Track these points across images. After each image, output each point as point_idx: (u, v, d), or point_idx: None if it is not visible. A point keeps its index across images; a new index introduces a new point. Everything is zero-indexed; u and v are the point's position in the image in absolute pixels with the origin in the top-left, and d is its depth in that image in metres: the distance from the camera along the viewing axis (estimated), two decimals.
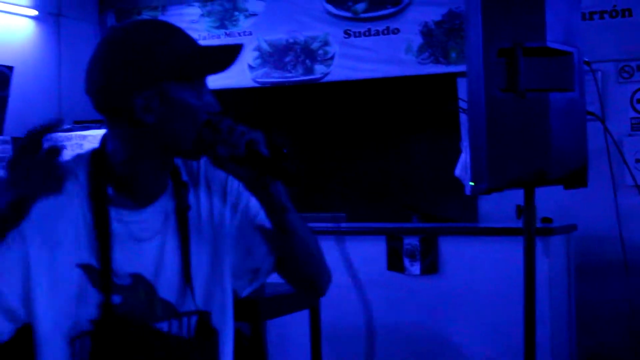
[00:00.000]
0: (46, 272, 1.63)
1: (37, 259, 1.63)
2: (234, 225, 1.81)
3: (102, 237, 1.66)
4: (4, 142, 6.52)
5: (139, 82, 1.61)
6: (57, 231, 1.65)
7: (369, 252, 5.43)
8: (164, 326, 1.70)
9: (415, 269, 5.31)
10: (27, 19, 7.02)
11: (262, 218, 1.77)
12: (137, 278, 1.69)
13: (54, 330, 1.65)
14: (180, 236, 1.73)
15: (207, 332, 1.74)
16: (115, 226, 1.67)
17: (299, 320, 4.60)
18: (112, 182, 1.69)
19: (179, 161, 1.77)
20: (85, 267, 1.66)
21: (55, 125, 1.47)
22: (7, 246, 1.60)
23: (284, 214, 1.69)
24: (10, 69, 6.59)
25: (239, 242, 1.81)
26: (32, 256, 1.63)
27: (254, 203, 1.77)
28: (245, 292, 1.88)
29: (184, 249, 1.73)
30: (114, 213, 1.68)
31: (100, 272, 1.65)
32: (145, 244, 1.70)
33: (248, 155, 1.60)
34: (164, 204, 1.73)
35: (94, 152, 1.73)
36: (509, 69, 2.88)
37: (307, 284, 1.88)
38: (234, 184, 1.80)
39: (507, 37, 2.90)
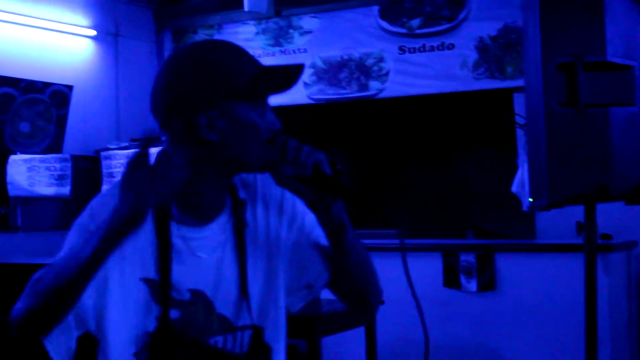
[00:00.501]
0: (117, 285, 1.68)
1: (111, 271, 1.68)
2: (290, 241, 1.82)
3: (163, 252, 1.69)
4: (64, 159, 6.63)
5: (203, 102, 1.64)
6: (125, 245, 1.67)
7: (424, 269, 5.39)
8: (219, 340, 1.72)
9: (472, 285, 5.26)
10: (86, 39, 7.14)
11: (317, 235, 1.78)
12: (197, 294, 1.71)
13: (122, 342, 1.69)
14: (237, 253, 1.75)
15: (260, 348, 1.75)
16: (176, 242, 1.71)
17: (355, 338, 4.58)
18: (174, 199, 1.71)
19: (236, 179, 1.79)
20: (148, 282, 1.70)
21: (156, 139, 1.55)
22: None
23: (343, 233, 1.69)
24: (69, 88, 6.70)
25: (294, 258, 1.82)
26: (108, 268, 1.66)
27: (309, 220, 1.79)
28: (297, 308, 1.89)
29: (241, 265, 1.75)
30: (175, 229, 1.71)
31: (159, 286, 1.69)
32: (204, 260, 1.72)
33: (314, 176, 1.62)
34: (223, 222, 1.76)
35: None
36: (568, 84, 2.85)
37: (359, 302, 1.88)
38: (290, 201, 1.81)
39: (567, 51, 2.86)
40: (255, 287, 1.77)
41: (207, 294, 1.72)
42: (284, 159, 1.63)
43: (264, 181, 1.81)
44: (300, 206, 1.80)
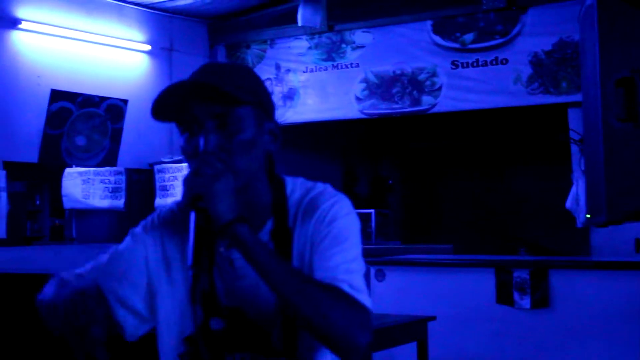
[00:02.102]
0: (164, 282, 1.71)
1: (154, 267, 1.73)
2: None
3: (209, 264, 1.68)
4: (118, 172, 6.72)
5: None
6: (171, 248, 1.72)
7: (477, 285, 5.35)
8: None
9: (526, 302, 5.20)
10: (141, 54, 7.24)
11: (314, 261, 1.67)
12: (233, 310, 1.68)
13: (168, 343, 1.71)
14: None
15: None
16: (219, 254, 1.68)
17: (407, 353, 4.55)
18: None
19: (292, 188, 1.72)
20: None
21: None
22: (131, 249, 1.74)
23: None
24: (125, 102, 6.79)
25: None
26: (151, 263, 1.73)
27: (323, 246, 1.65)
28: None
29: None
30: (220, 241, 1.67)
31: (206, 295, 1.68)
32: (242, 278, 1.67)
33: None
34: (263, 238, 1.67)
35: None
36: (627, 99, 2.80)
37: (322, 341, 1.63)
38: (322, 216, 1.67)
39: (626, 65, 2.81)
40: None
41: (246, 312, 1.68)
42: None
43: (314, 194, 1.71)
44: (327, 227, 1.66)
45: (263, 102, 1.68)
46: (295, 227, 1.69)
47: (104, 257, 1.77)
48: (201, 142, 1.60)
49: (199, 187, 1.53)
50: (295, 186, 1.74)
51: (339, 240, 1.65)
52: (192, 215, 1.56)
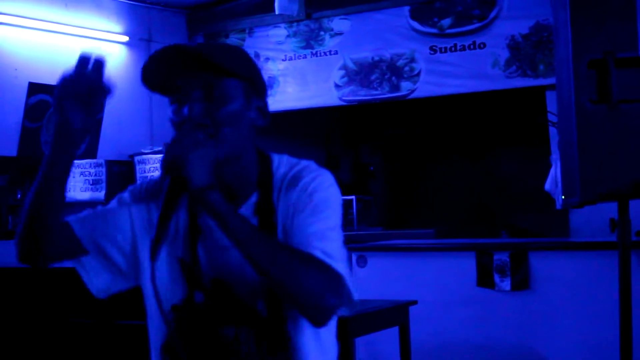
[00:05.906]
0: (148, 247, 1.71)
1: (140, 234, 1.76)
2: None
3: (191, 236, 1.72)
4: (98, 164, 6.70)
5: None
6: (156, 219, 1.69)
7: (458, 268, 5.39)
8: (243, 330, 1.70)
9: (506, 284, 5.24)
10: (119, 45, 7.22)
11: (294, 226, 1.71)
12: (217, 282, 1.71)
13: (156, 310, 1.71)
14: None
15: (280, 339, 1.70)
16: (205, 227, 1.71)
17: (389, 337, 4.59)
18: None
19: (277, 164, 1.76)
20: (179, 260, 1.74)
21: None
22: (117, 212, 1.78)
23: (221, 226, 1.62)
24: None
25: None
26: (137, 230, 1.77)
27: (299, 218, 1.70)
28: None
29: None
30: (206, 217, 1.68)
31: (188, 268, 1.72)
32: (227, 250, 1.69)
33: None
34: (247, 212, 1.71)
35: None
36: (600, 81, 2.83)
37: (291, 304, 1.67)
38: (305, 187, 1.71)
39: (598, 47, 2.85)
40: None
41: (229, 284, 1.71)
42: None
43: (298, 169, 1.74)
44: (308, 197, 1.69)
45: (253, 78, 1.72)
46: (280, 200, 1.73)
47: (89, 211, 1.80)
48: (185, 110, 1.64)
49: (176, 153, 1.57)
50: (281, 162, 1.77)
51: (319, 209, 1.69)
52: (166, 184, 1.59)
